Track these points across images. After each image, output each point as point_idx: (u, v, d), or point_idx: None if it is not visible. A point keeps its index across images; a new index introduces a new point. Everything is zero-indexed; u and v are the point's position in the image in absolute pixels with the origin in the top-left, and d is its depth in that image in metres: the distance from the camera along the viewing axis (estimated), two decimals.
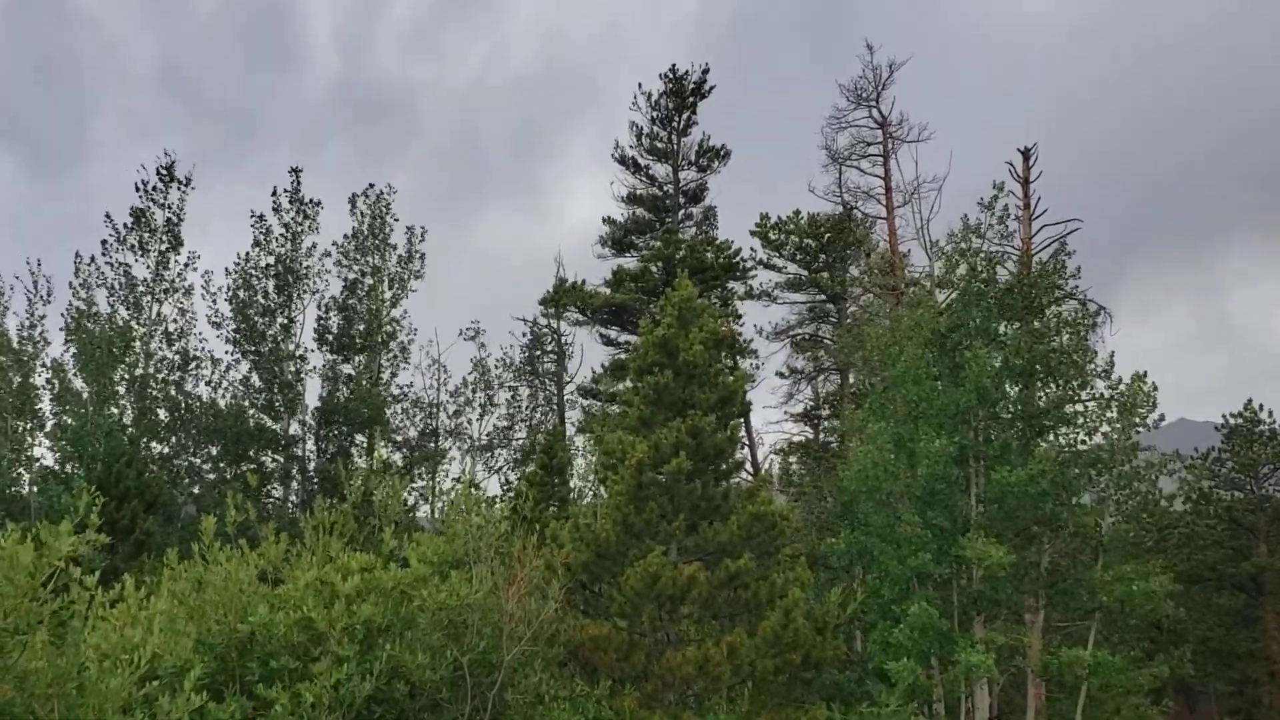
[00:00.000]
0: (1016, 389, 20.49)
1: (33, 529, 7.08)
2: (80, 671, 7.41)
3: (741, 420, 17.72)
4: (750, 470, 33.82)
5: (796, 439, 38.51)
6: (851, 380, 34.71)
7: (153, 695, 7.86)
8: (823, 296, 37.71)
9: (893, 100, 34.80)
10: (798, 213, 37.04)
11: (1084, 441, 19.95)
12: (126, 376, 31.17)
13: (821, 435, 38.02)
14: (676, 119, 38.82)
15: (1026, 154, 26.76)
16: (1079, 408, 20.07)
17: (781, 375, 38.87)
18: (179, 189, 33.24)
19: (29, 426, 29.50)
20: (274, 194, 35.13)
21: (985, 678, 18.27)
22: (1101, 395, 20.07)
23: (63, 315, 31.27)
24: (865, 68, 34.64)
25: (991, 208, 21.79)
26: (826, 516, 25.98)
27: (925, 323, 20.74)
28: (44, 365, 30.51)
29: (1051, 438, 20.09)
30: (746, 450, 33.57)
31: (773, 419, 39.92)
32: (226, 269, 34.61)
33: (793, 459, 39.16)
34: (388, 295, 36.92)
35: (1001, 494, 18.45)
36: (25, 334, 30.66)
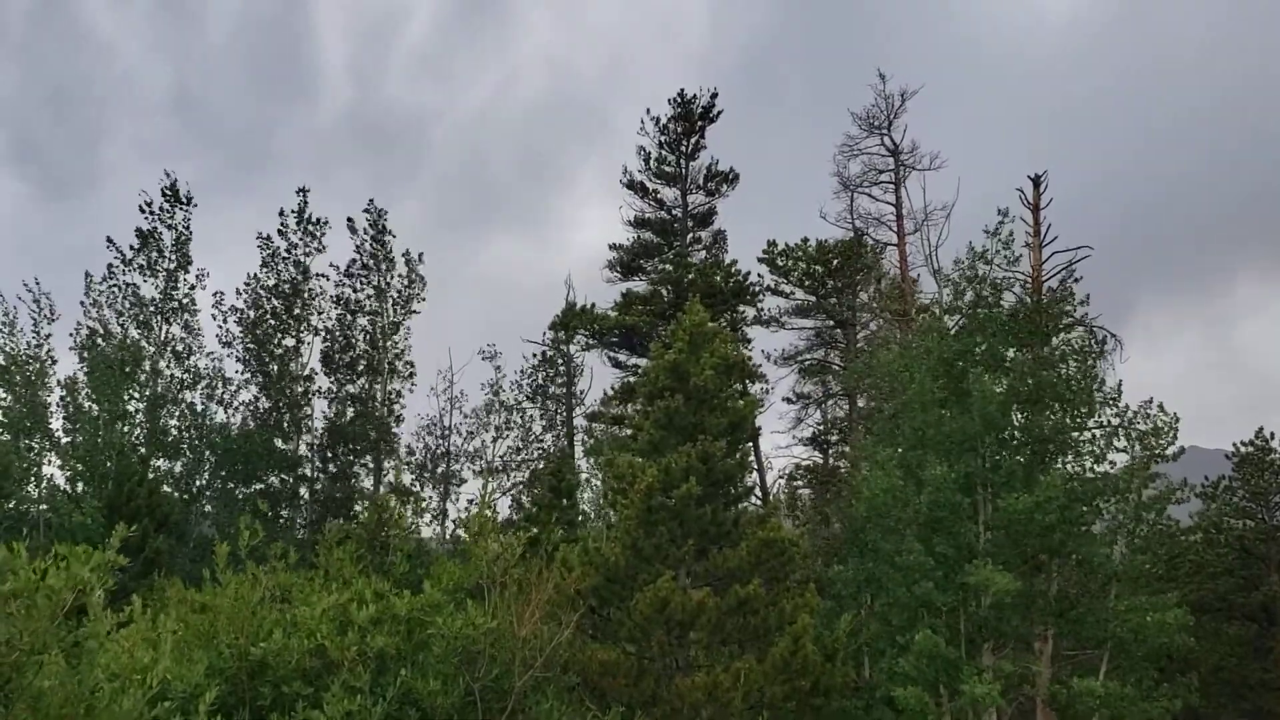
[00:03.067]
0: (1022, 416, 20.44)
1: (46, 549, 7.09)
2: (93, 693, 7.41)
3: (750, 445, 17.71)
4: (759, 495, 33.75)
5: (804, 464, 38.46)
6: (860, 405, 34.68)
7: (163, 717, 7.87)
8: (831, 322, 37.74)
9: (904, 128, 35.01)
10: (806, 240, 37.14)
11: (1093, 470, 19.88)
12: (137, 395, 31.31)
13: (830, 460, 37.96)
14: (685, 143, 38.92)
15: (1037, 181, 26.81)
16: (1085, 435, 20.00)
17: (789, 400, 38.88)
18: (183, 208, 33.48)
19: (40, 445, 29.57)
20: (281, 214, 35.36)
21: (992, 706, 18.15)
22: (1109, 423, 20.01)
23: (70, 335, 31.52)
24: (877, 96, 34.90)
25: (998, 234, 21.82)
26: (834, 543, 25.92)
27: (932, 349, 20.72)
28: (56, 384, 30.67)
29: (1060, 465, 20.01)
30: (755, 475, 33.50)
31: (781, 444, 39.97)
32: (237, 289, 34.88)
33: (800, 484, 39.10)
34: (392, 316, 37.04)
35: (1008, 521, 18.38)
36: (31, 352, 30.79)
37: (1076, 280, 22.85)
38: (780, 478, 39.07)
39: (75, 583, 6.73)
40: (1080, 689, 17.45)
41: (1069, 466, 20.03)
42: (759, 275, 37.45)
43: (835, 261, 36.55)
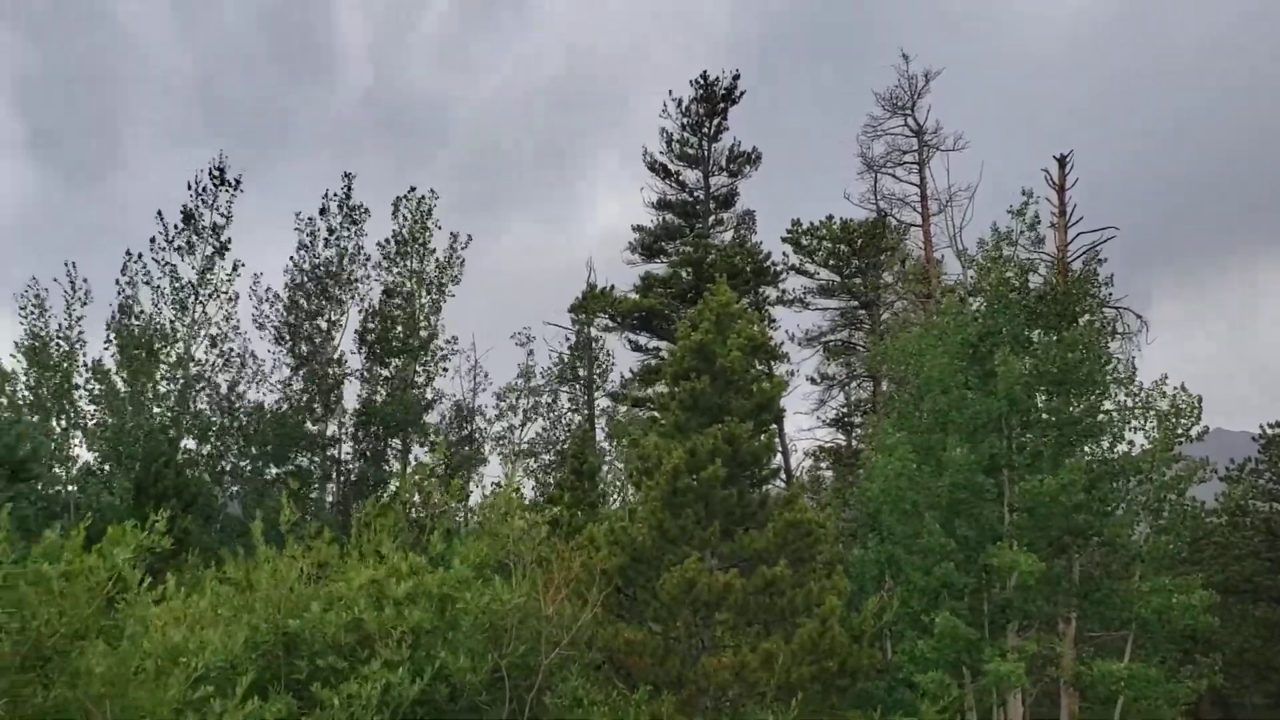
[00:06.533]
0: (1045, 398, 20.38)
1: (75, 530, 7.18)
2: (135, 673, 7.54)
3: (775, 426, 17.74)
4: (783, 477, 33.81)
5: (828, 445, 38.47)
6: (885, 386, 34.65)
7: (204, 698, 7.96)
8: (855, 303, 37.68)
9: (928, 109, 34.95)
10: (830, 218, 37.07)
11: (1113, 451, 19.83)
12: (168, 376, 31.62)
13: (854, 442, 37.95)
14: (707, 124, 38.91)
15: (1062, 161, 26.68)
16: (1103, 417, 19.94)
17: (813, 381, 38.89)
18: (229, 191, 33.73)
19: (68, 425, 29.90)
20: (325, 197, 35.54)
21: (1017, 687, 18.18)
22: (1125, 404, 19.95)
23: (107, 321, 31.82)
24: (900, 77, 34.83)
25: (1022, 215, 21.73)
26: (852, 525, 25.95)
27: (953, 331, 20.65)
28: (84, 366, 30.95)
29: (1087, 448, 19.95)
30: (780, 457, 33.55)
31: (805, 425, 39.95)
32: (257, 275, 35.17)
33: (823, 466, 39.13)
34: (426, 300, 37.15)
35: (1033, 503, 18.36)
36: (63, 334, 31.10)
37: (1101, 261, 22.75)
38: (805, 459, 39.16)
39: (115, 567, 6.85)
40: (1104, 670, 17.45)
41: (1092, 448, 19.99)
42: (784, 255, 37.48)
43: (860, 241, 36.49)
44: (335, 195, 35.70)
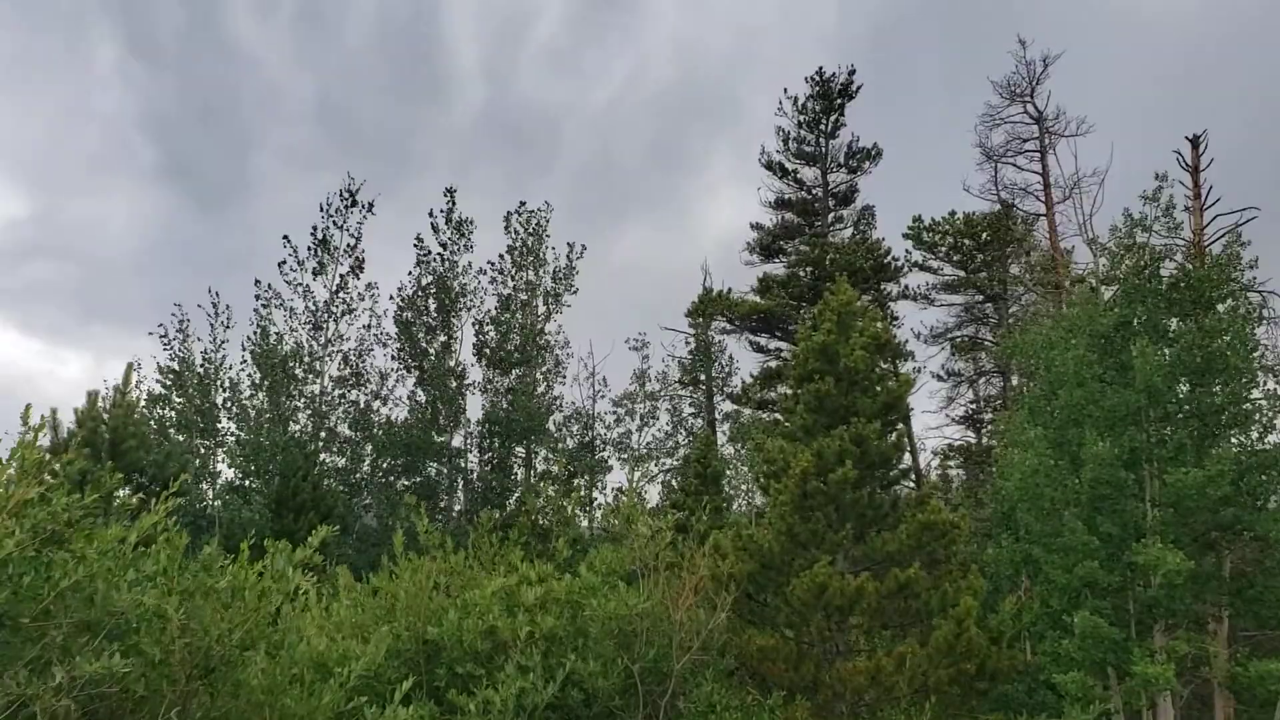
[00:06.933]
0: (1186, 388, 19.56)
1: (211, 543, 7.44)
2: (292, 682, 7.79)
3: (903, 426, 17.44)
4: (912, 477, 33.20)
5: (957, 443, 37.65)
6: (1015, 381, 33.77)
7: (357, 708, 8.20)
8: (981, 297, 36.81)
9: (1048, 94, 33.93)
10: (953, 213, 36.27)
11: (1263, 441, 18.93)
12: (302, 393, 32.78)
13: (984, 439, 37.06)
14: (824, 121, 38.52)
15: (1195, 141, 25.62)
16: (1249, 406, 19.04)
17: (940, 378, 38.12)
18: (360, 213, 34.81)
19: (212, 444, 31.22)
20: (430, 215, 36.40)
21: (1166, 690, 17.48)
22: (1274, 391, 19.03)
23: (244, 342, 33.19)
24: (1018, 63, 33.98)
25: (1156, 199, 20.91)
26: (986, 524, 25.33)
27: (1085, 322, 20.00)
28: (223, 386, 32.33)
29: (1233, 439, 19.09)
30: (908, 456, 32.97)
31: (932, 424, 39.21)
32: (390, 296, 36.18)
33: (952, 464, 38.32)
34: (542, 310, 37.67)
35: (1177, 498, 17.63)
36: (207, 357, 32.52)
37: (1244, 244, 21.70)
38: (933, 458, 38.40)
39: (282, 580, 7.09)
40: (1262, 671, 16.66)
41: (1239, 439, 19.13)
42: (906, 251, 36.79)
43: (983, 234, 35.63)
44: (441, 211, 36.49)
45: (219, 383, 32.46)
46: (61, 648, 6.18)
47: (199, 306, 33.15)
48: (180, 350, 32.48)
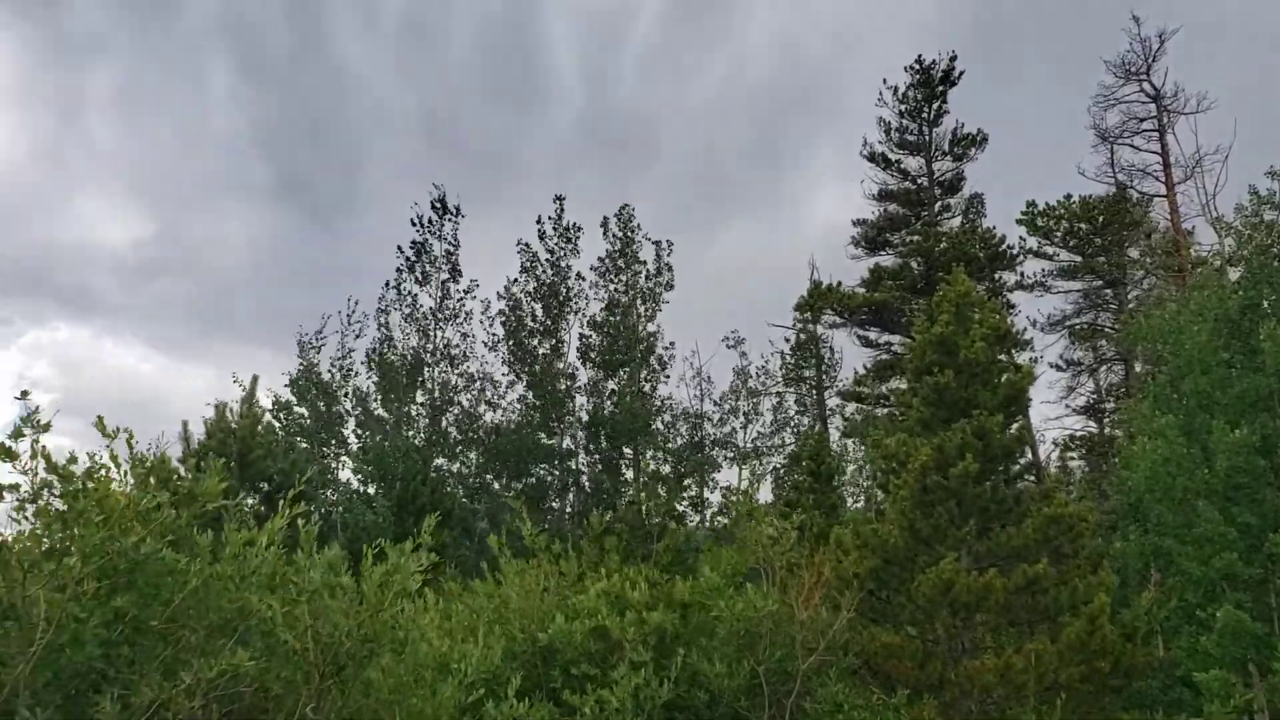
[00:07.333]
0: None
1: (349, 545, 7.62)
2: (416, 681, 7.95)
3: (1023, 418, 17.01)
4: (1034, 470, 32.36)
5: (1079, 434, 36.57)
6: (1138, 369, 32.70)
7: (477, 701, 8.35)
8: (1100, 283, 35.69)
9: (1165, 71, 32.81)
10: (1068, 196, 35.25)
11: None
12: (420, 400, 33.58)
13: (1106, 429, 35.95)
14: (926, 109, 37.82)
15: None
16: None
17: (1059, 368, 37.06)
18: (451, 220, 35.53)
19: (336, 451, 32.13)
20: (539, 221, 36.89)
21: None
22: None
23: (367, 351, 34.20)
24: (1132, 40, 32.93)
25: None
26: (1111, 517, 24.56)
27: (1210, 305, 19.25)
28: (345, 395, 33.30)
29: None
30: (1028, 448, 32.18)
31: (1051, 414, 37.99)
32: (498, 293, 36.76)
33: (1074, 455, 37.23)
34: (642, 310, 37.83)
35: None
36: (336, 366, 33.60)
37: None
38: (1053, 449, 37.36)
39: (404, 580, 7.23)
40: None
41: None
42: (1020, 238, 35.90)
43: (1100, 217, 34.57)
44: (549, 218, 36.96)
45: (345, 391, 33.48)
46: (198, 649, 6.39)
47: (324, 316, 34.26)
48: (309, 358, 33.60)
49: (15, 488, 6.18)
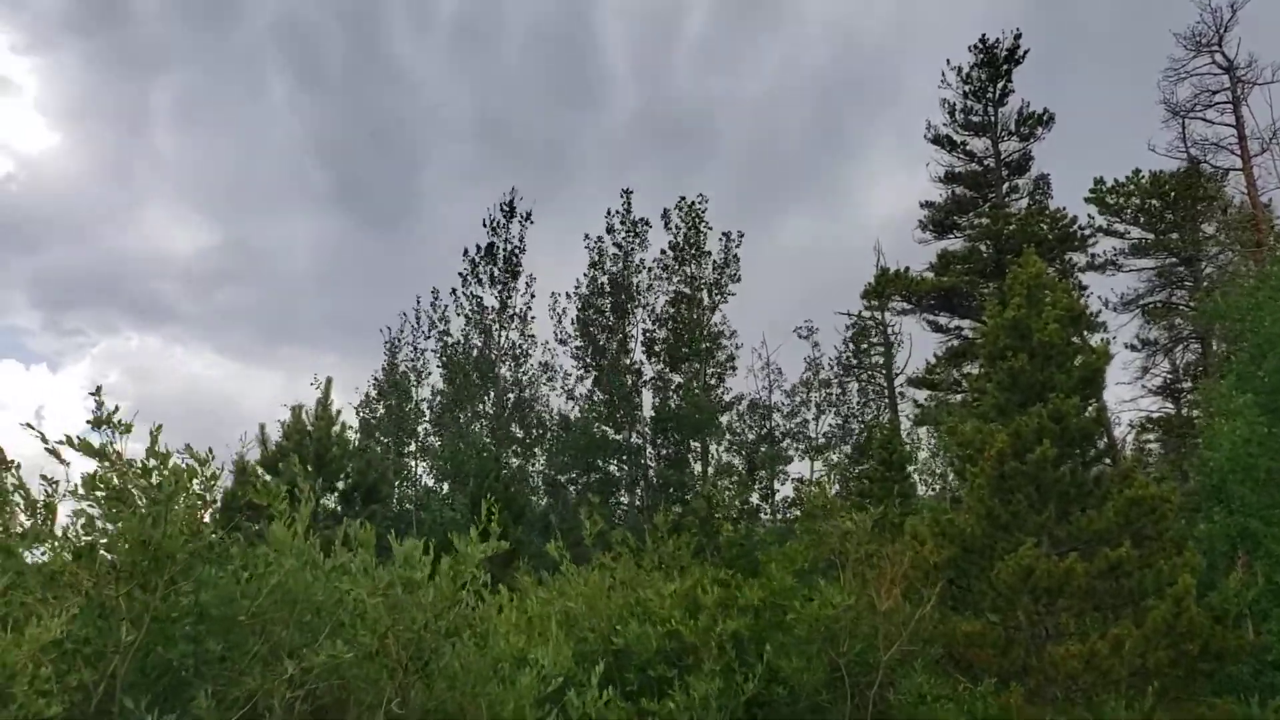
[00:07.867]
0: None
1: (430, 541, 7.75)
2: (496, 671, 8.08)
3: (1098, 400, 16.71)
4: (1110, 453, 31.76)
5: (1155, 415, 35.83)
6: (1216, 347, 31.94)
7: (556, 691, 8.46)
8: (1174, 260, 34.90)
9: (1238, 41, 31.94)
10: (1138, 172, 34.50)
11: None
12: (490, 399, 34.04)
13: (1184, 410, 35.17)
14: (991, 89, 37.27)
15: None
16: None
17: (1133, 348, 36.30)
18: (520, 223, 36.03)
19: (413, 449, 32.77)
20: (607, 214, 37.15)
21: None
22: None
23: (438, 352, 34.85)
24: (1203, 11, 32.15)
25: None
26: (1193, 499, 24.06)
27: None
28: (423, 395, 34.08)
29: None
30: (1104, 431, 31.60)
31: (1126, 396, 37.16)
32: (566, 294, 37.08)
33: (1150, 437, 36.49)
34: (707, 302, 37.79)
35: None
36: (408, 366, 34.28)
37: None
38: (1129, 431, 36.66)
39: (469, 566, 7.36)
40: None
41: None
42: (1089, 217, 35.23)
43: (1173, 193, 33.79)
44: (617, 212, 37.10)
45: (419, 391, 34.17)
46: (286, 643, 6.54)
47: (402, 315, 34.97)
48: (388, 360, 34.34)
49: (104, 482, 6.23)
